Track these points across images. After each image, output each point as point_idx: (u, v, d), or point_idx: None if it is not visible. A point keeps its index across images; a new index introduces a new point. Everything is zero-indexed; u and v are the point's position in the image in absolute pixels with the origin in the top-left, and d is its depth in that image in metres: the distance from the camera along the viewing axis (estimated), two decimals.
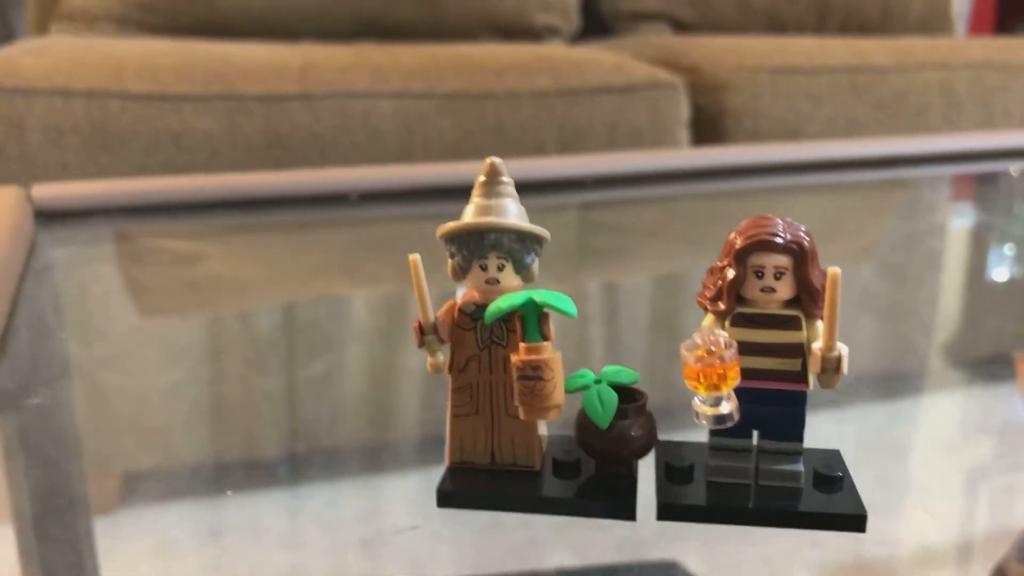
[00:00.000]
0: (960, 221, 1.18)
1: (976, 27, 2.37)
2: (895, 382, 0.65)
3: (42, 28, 1.40)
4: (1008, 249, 1.00)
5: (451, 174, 1.03)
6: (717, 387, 0.36)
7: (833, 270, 0.35)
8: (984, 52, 1.47)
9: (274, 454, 0.54)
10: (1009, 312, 0.80)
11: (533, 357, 0.37)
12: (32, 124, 1.02)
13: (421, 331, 0.40)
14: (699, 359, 0.36)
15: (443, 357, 0.41)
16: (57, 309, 0.77)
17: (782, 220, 0.38)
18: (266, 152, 1.09)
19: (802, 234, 0.38)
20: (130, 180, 1.01)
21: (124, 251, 0.96)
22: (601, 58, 1.30)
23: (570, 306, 0.38)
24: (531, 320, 0.38)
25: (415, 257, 0.38)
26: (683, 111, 1.27)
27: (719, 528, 0.39)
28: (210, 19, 1.39)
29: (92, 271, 0.89)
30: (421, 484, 0.48)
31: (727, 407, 0.37)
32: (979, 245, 1.04)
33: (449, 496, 0.40)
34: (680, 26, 1.68)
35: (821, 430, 0.52)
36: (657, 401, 0.42)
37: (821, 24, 1.73)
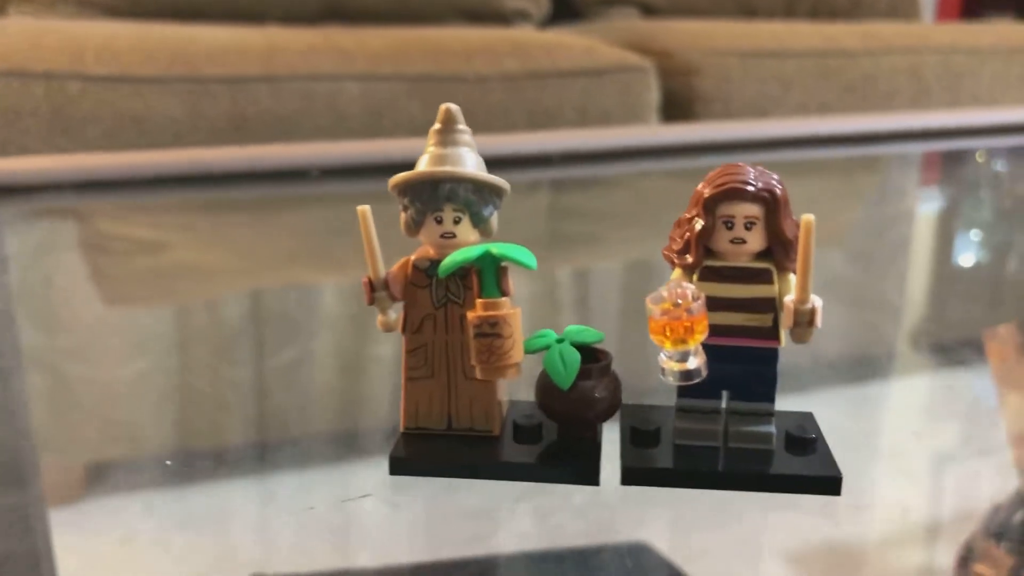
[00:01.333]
0: (928, 202, 1.17)
1: (943, 13, 2.37)
2: (862, 365, 0.64)
3: (1, 9, 1.37)
4: (975, 232, 0.99)
5: (420, 150, 1.00)
6: (684, 341, 0.34)
7: (807, 217, 0.34)
8: (952, 37, 1.46)
9: (240, 443, 0.52)
10: (976, 294, 0.79)
11: (490, 313, 0.35)
12: None
13: (371, 287, 0.37)
14: (665, 312, 0.34)
15: (395, 315, 0.39)
16: (5, 296, 0.74)
17: (753, 168, 0.37)
18: (230, 135, 1.06)
19: (774, 182, 0.36)
20: (78, 156, 0.98)
21: (73, 230, 0.93)
22: (571, 41, 1.28)
23: (530, 258, 0.36)
24: (488, 274, 0.36)
25: (364, 208, 0.36)
26: (653, 95, 1.26)
27: (688, 493, 0.38)
28: (175, 1, 1.36)
29: (33, 249, 0.86)
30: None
31: (694, 362, 0.35)
32: (947, 227, 1.03)
33: (402, 462, 0.38)
34: (650, 10, 1.66)
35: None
36: (623, 365, 0.40)
37: (790, 9, 1.72)
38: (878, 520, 0.42)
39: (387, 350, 0.60)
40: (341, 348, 0.63)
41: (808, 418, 0.41)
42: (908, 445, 0.50)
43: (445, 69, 1.15)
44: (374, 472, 0.41)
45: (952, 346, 0.67)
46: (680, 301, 0.34)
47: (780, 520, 0.39)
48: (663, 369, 0.35)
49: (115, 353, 0.63)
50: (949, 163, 1.34)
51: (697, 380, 0.35)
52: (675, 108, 1.30)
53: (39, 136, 1.00)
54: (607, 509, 0.39)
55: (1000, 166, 1.29)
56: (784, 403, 0.39)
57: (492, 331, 0.35)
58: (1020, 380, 0.61)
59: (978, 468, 0.48)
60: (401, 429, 0.40)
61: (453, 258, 0.36)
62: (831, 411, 0.53)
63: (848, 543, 0.40)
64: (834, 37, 1.39)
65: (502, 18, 1.52)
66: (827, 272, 0.78)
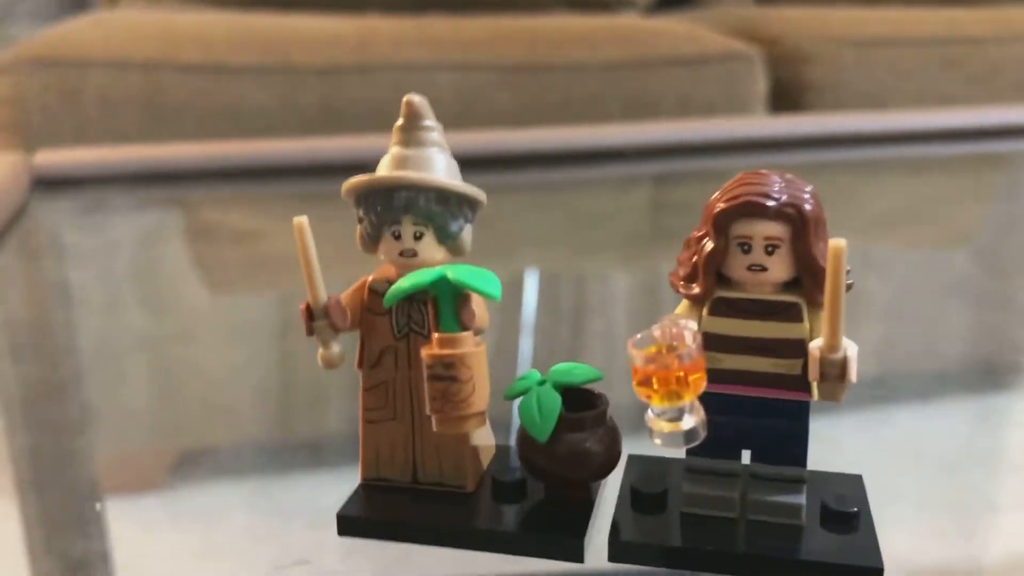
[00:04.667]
0: None
1: None
2: (988, 372, 0.55)
3: (112, 1, 1.38)
4: None
5: (511, 142, 0.96)
6: (677, 395, 0.27)
7: (836, 242, 0.26)
8: None
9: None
10: None
11: (445, 352, 0.29)
12: (88, 95, 0.99)
13: (310, 315, 0.31)
14: (651, 359, 0.27)
15: (338, 349, 0.32)
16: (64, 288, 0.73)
17: (780, 177, 0.29)
18: (322, 125, 1.04)
19: (804, 195, 0.29)
20: (183, 146, 0.97)
21: (177, 218, 0.93)
22: (673, 29, 1.21)
23: (493, 286, 0.29)
24: (445, 303, 0.29)
25: (300, 220, 0.30)
26: (760, 84, 1.18)
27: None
28: None
29: (143, 236, 0.86)
30: None
31: (691, 421, 0.27)
32: None
33: (352, 523, 0.32)
34: None
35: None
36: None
37: None
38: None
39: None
40: None
41: (854, 482, 0.33)
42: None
43: (538, 58, 1.10)
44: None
45: None
46: (675, 343, 0.27)
47: None
48: (650, 430, 0.28)
49: (214, 340, 0.62)
50: None
51: (694, 444, 0.28)
52: (784, 99, 1.21)
53: (135, 124, 1.00)
54: None
55: None
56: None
57: (447, 373, 0.29)
58: None
59: None
60: (360, 479, 0.34)
61: (400, 284, 0.30)
62: (952, 421, 0.48)
63: None
64: (958, 23, 1.28)
65: (605, 5, 1.45)
66: (951, 275, 0.70)
